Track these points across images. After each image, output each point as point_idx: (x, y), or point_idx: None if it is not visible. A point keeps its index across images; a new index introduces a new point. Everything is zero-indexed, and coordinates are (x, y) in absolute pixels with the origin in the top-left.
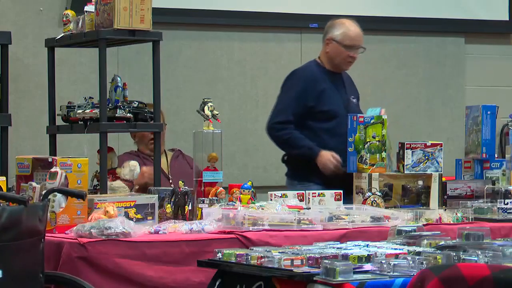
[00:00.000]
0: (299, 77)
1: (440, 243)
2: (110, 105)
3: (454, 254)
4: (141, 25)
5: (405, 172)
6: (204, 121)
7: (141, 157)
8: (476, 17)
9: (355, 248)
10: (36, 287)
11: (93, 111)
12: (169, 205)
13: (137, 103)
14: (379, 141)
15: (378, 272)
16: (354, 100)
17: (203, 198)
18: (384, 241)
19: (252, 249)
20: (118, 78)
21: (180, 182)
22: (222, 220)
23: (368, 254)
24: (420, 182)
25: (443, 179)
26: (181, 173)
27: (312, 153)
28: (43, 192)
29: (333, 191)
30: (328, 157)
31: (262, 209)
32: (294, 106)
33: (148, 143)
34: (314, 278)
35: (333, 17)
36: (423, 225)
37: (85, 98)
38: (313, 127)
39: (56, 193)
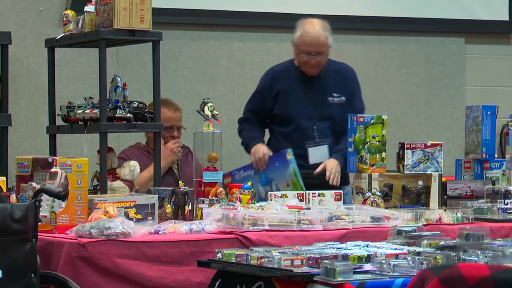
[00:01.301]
0: (262, 78)
1: (440, 243)
2: (110, 105)
3: (454, 254)
4: (141, 25)
5: (405, 172)
6: (204, 121)
7: (151, 153)
8: (476, 17)
9: (355, 248)
10: (23, 287)
11: (93, 111)
12: (169, 205)
13: (137, 103)
14: (379, 141)
15: (378, 272)
16: (337, 99)
17: (203, 198)
18: (384, 241)
19: (252, 249)
20: (118, 78)
21: (180, 182)
22: (222, 220)
23: (368, 254)
24: (420, 182)
25: (443, 179)
26: (190, 174)
27: (249, 143)
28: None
29: (333, 191)
30: (258, 149)
31: (262, 209)
32: (250, 104)
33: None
34: (314, 278)
35: (333, 17)
36: (423, 225)
37: (85, 98)
38: (274, 131)
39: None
